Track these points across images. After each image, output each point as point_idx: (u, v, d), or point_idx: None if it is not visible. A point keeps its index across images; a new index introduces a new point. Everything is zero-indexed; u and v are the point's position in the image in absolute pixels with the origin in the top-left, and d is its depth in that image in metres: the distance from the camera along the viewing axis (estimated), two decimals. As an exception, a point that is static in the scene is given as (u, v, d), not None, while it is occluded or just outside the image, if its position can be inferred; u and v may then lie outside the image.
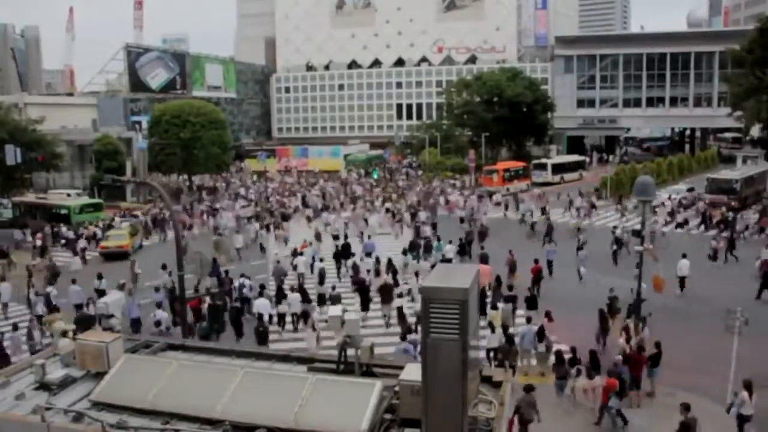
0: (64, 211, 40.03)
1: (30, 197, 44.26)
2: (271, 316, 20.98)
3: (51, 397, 7.41)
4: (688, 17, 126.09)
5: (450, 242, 29.15)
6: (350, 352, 7.75)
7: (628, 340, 16.11)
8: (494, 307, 19.73)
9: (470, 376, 6.02)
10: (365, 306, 21.95)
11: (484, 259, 25.63)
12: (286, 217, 40.26)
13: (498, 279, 22.33)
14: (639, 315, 18.19)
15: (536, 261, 25.04)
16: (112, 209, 47.23)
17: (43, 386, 7.66)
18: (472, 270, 6.42)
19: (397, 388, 6.79)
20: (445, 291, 5.84)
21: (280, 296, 21.99)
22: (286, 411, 6.56)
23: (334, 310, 8.23)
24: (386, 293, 21.88)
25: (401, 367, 7.04)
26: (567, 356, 16.13)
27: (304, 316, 20.73)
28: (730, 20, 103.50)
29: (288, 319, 21.41)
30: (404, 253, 27.86)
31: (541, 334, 17.63)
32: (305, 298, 21.92)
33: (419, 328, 17.92)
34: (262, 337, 18.58)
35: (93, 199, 44.36)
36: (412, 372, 6.52)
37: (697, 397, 15.53)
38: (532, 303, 21.05)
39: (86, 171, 57.97)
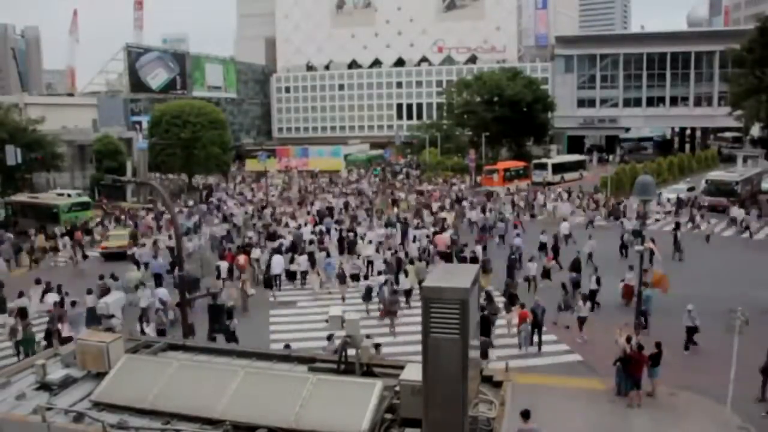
0: (54, 210, 40.73)
1: (21, 197, 44.63)
2: (287, 271, 27.24)
3: (52, 397, 7.41)
4: (688, 17, 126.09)
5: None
6: (351, 352, 7.76)
7: (628, 340, 16.11)
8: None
9: (471, 375, 6.02)
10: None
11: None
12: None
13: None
14: (639, 315, 18.21)
15: (482, 230, 31.96)
16: (114, 209, 47.48)
17: (44, 386, 7.66)
18: (473, 270, 6.42)
19: (397, 388, 6.79)
20: (446, 291, 5.84)
21: (293, 255, 28.27)
22: (287, 411, 6.57)
23: (334, 311, 8.24)
24: (351, 246, 30.51)
25: (402, 367, 7.04)
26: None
27: (312, 263, 27.23)
28: (730, 20, 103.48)
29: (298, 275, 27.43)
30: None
31: None
32: (311, 258, 27.93)
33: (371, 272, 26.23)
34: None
35: (80, 198, 44.68)
36: (413, 372, 6.53)
37: (697, 397, 15.57)
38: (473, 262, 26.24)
39: (87, 171, 57.99)
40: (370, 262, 27.51)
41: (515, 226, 34.27)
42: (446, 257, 27.81)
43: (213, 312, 20.23)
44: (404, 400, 6.51)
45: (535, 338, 19.39)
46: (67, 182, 56.05)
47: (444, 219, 36.15)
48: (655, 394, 15.74)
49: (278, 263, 26.76)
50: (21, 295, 22.36)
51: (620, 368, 15.61)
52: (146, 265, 28.16)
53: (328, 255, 28.60)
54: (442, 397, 5.89)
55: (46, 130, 50.36)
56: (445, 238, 29.89)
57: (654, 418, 14.86)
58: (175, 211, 41.51)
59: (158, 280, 25.67)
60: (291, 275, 27.38)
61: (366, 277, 24.42)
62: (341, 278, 24.96)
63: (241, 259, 27.35)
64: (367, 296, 22.95)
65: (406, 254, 27.98)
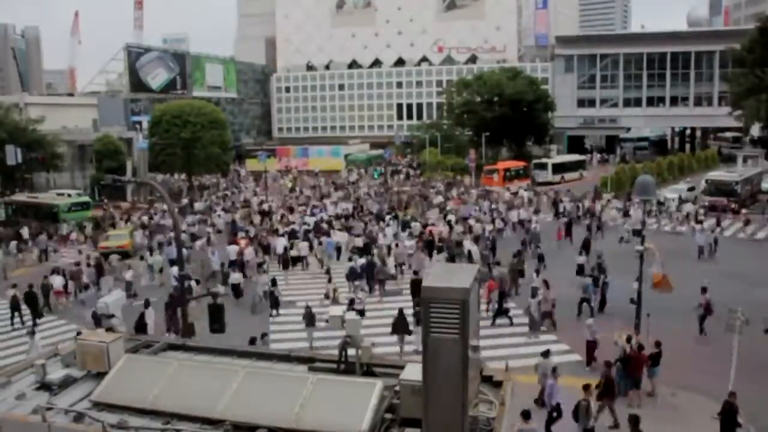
0: (54, 210, 40.84)
1: (21, 197, 44.72)
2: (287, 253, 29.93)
3: (52, 397, 7.41)
4: (688, 17, 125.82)
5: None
6: (351, 351, 7.76)
7: (628, 340, 16.11)
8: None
9: (471, 375, 6.02)
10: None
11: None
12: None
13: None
14: (639, 315, 18.19)
15: (465, 218, 34.48)
16: (116, 209, 47.52)
17: (44, 386, 7.65)
18: (473, 270, 6.42)
19: (397, 388, 6.79)
20: (446, 291, 5.83)
21: (292, 242, 31.05)
22: (287, 411, 6.57)
23: (334, 311, 8.25)
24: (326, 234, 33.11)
25: (402, 367, 7.04)
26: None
27: (311, 248, 30.37)
28: (731, 20, 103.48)
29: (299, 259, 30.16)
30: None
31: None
32: (311, 244, 30.95)
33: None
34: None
35: (80, 198, 44.78)
36: (413, 371, 6.52)
37: (697, 397, 15.57)
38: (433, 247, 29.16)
39: (87, 171, 58.02)
40: (338, 248, 30.96)
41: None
42: (429, 245, 29.67)
43: (213, 312, 20.18)
44: (404, 400, 6.50)
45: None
46: (67, 182, 56.11)
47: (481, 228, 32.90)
48: (655, 394, 15.74)
49: (280, 245, 30.42)
50: (53, 272, 26.49)
51: (620, 368, 15.60)
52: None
53: (328, 235, 32.16)
54: (442, 397, 5.89)
55: (46, 130, 50.41)
56: (436, 230, 32.29)
57: (654, 418, 14.84)
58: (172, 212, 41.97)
59: (173, 264, 27.54)
60: (293, 260, 29.84)
61: (350, 259, 27.11)
62: (310, 319, 20.61)
63: (242, 242, 30.87)
64: (351, 276, 25.42)
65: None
